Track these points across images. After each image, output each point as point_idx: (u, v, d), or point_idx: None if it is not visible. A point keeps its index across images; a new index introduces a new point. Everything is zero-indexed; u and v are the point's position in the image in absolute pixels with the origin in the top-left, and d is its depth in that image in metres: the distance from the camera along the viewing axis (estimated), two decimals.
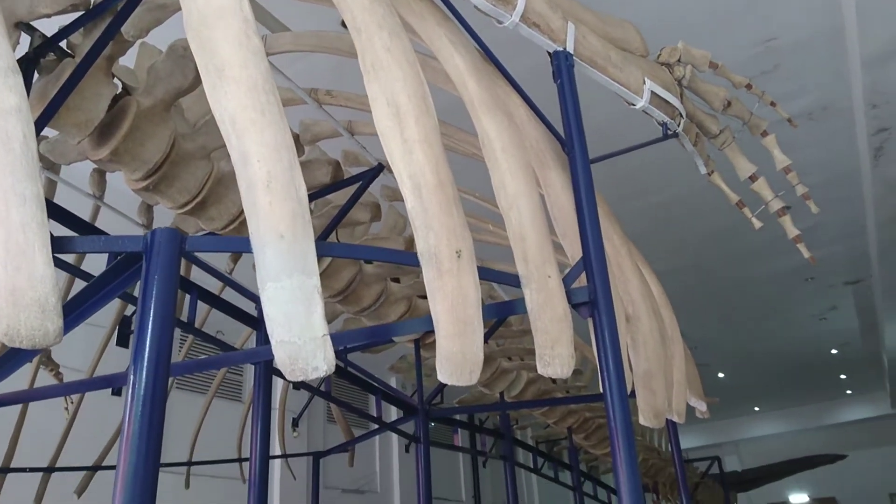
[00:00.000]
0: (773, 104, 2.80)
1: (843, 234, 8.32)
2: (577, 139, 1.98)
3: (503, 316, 1.81)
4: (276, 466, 9.00)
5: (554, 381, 6.10)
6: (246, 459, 8.12)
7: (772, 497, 20.33)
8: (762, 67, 5.38)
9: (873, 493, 19.27)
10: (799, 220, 3.35)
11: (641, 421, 2.04)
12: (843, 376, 16.99)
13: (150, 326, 1.19)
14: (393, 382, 10.24)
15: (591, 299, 1.77)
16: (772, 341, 13.33)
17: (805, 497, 20.60)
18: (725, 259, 9.08)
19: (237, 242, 1.34)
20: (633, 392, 2.57)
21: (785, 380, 16.70)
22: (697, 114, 2.75)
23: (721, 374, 15.42)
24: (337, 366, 4.66)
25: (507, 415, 5.53)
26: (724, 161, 3.21)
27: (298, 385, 5.22)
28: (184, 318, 3.34)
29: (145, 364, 1.20)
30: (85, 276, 2.88)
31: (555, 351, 1.59)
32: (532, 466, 6.92)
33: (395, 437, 11.63)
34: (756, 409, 20.29)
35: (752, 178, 2.88)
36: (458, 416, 6.30)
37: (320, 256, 1.27)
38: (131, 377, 1.20)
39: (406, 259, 1.49)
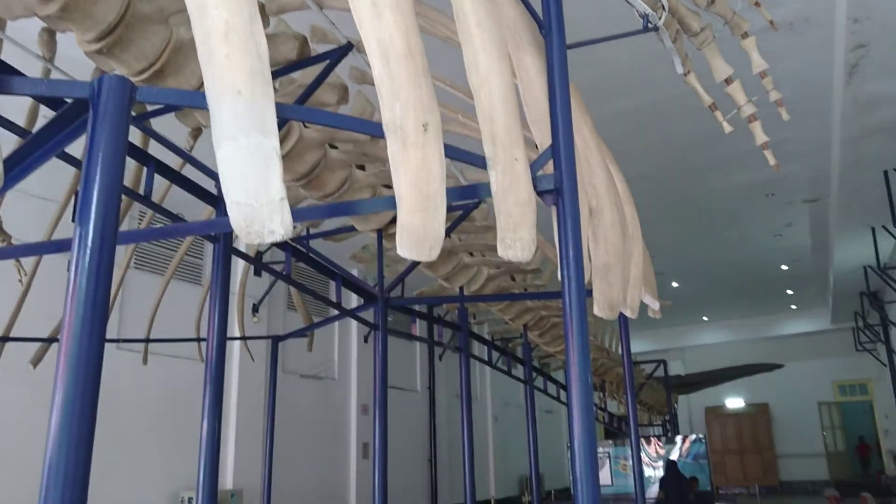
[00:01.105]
0: (757, 3, 2.72)
1: (807, 150, 8.41)
2: (556, 22, 1.89)
3: (467, 199, 1.79)
4: (235, 350, 9.14)
5: (513, 278, 6.20)
6: (204, 339, 8.22)
7: (710, 401, 21.53)
8: None
9: (803, 400, 20.53)
10: (766, 133, 3.35)
11: (596, 311, 2.08)
12: (789, 291, 17.66)
13: (96, 182, 1.13)
14: (356, 273, 10.31)
15: (556, 187, 1.75)
16: (727, 254, 13.69)
17: (741, 402, 21.84)
18: (690, 169, 9.14)
19: (192, 96, 1.27)
20: (590, 292, 2.63)
21: (735, 292, 17.29)
22: (680, 8, 2.67)
23: (675, 283, 15.88)
24: (298, 250, 4.65)
25: (465, 308, 5.63)
26: (700, 64, 3.16)
27: (259, 270, 5.22)
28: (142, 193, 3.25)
29: (91, 225, 1.14)
30: None
31: (516, 234, 1.59)
32: (487, 359, 7.13)
33: (354, 326, 11.84)
34: (705, 318, 21.11)
35: (728, 82, 2.84)
36: (417, 308, 6.40)
37: (280, 118, 1.22)
38: (77, 238, 1.14)
39: (370, 128, 1.44)
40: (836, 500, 10.48)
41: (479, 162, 1.63)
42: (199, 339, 5.81)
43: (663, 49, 3.16)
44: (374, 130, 1.38)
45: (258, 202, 1.17)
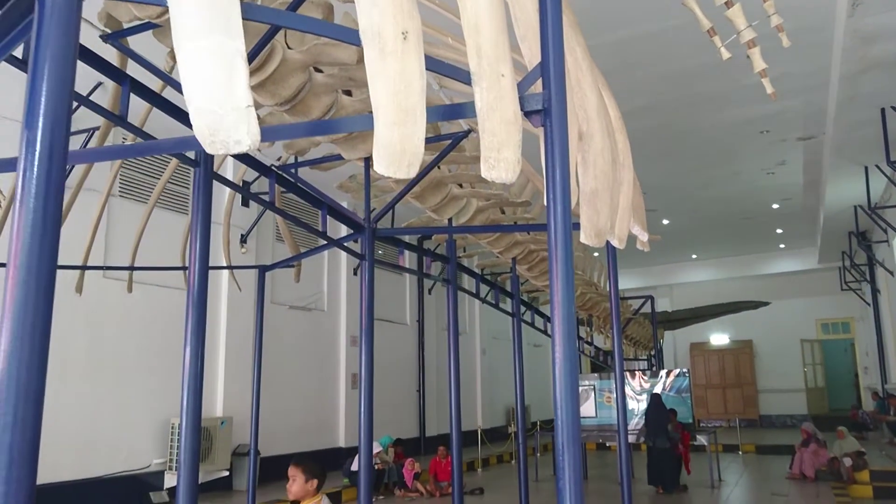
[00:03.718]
0: None
1: (804, 86, 8.26)
2: None
3: (451, 118, 1.71)
4: (223, 280, 9.12)
5: (503, 211, 6.14)
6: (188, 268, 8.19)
7: (695, 337, 21.89)
8: None
9: (786, 337, 20.89)
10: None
11: (583, 238, 2.03)
12: (779, 231, 17.73)
13: (44, 83, 1.04)
14: (346, 205, 10.22)
15: (544, 107, 1.67)
16: (719, 191, 13.64)
17: (726, 338, 22.21)
18: (684, 104, 8.98)
19: None
20: (577, 225, 2.56)
21: (725, 230, 17.34)
22: None
23: (666, 221, 15.88)
24: (284, 178, 4.56)
25: (453, 240, 5.59)
26: None
27: (245, 199, 5.14)
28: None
29: (39, 130, 1.05)
30: None
31: (501, 154, 1.52)
32: (475, 293, 7.14)
33: (343, 258, 11.82)
34: (694, 256, 21.23)
35: (728, 4, 2.72)
36: (408, 240, 6.36)
37: (246, 19, 1.13)
38: (24, 144, 1.06)
39: (345, 35, 1.35)
40: (807, 434, 10.75)
41: (464, 77, 1.54)
42: (184, 268, 5.77)
43: None
44: (350, 38, 1.29)
45: (222, 109, 1.09)
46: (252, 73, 3.48)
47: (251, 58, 3.13)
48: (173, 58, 3.79)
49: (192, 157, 3.21)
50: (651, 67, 7.77)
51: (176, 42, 1.09)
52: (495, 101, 1.50)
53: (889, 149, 8.37)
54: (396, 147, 1.28)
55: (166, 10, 2.57)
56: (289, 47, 3.78)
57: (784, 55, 7.24)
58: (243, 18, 1.10)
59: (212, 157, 3.16)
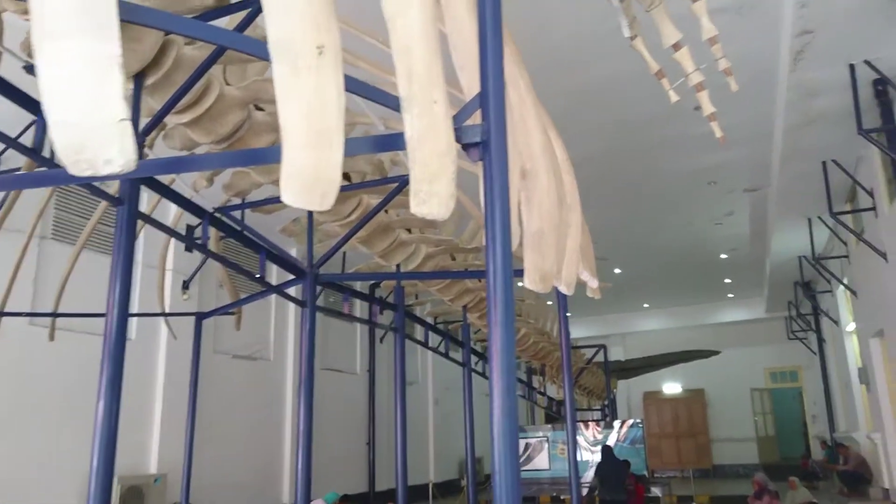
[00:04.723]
0: None
1: (749, 137, 8.43)
2: None
3: (380, 150, 1.57)
4: (163, 327, 8.71)
5: (453, 257, 6.00)
6: (134, 315, 7.77)
7: (649, 386, 21.92)
8: None
9: (737, 386, 21.10)
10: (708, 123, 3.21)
11: (526, 283, 1.89)
12: (727, 280, 18.01)
13: None
14: (295, 253, 9.94)
15: (483, 140, 1.53)
16: (669, 241, 13.81)
17: (678, 387, 22.29)
18: (636, 152, 9.08)
19: None
20: (519, 271, 2.41)
21: (676, 279, 17.55)
22: None
23: (617, 270, 15.98)
24: (222, 221, 4.33)
25: (401, 287, 5.41)
26: (649, 34, 2.99)
27: (190, 247, 4.85)
28: None
29: None
30: None
31: (432, 187, 1.37)
32: (423, 341, 6.94)
33: (292, 305, 11.49)
34: (646, 305, 21.40)
35: (676, 47, 2.67)
36: (359, 285, 6.15)
37: (127, 21, 0.96)
38: None
39: (254, 48, 1.19)
40: (759, 485, 10.69)
41: (394, 103, 1.40)
42: (136, 315, 5.43)
43: (614, 24, 2.98)
44: (259, 51, 1.13)
45: (89, 123, 0.91)
46: (186, 109, 3.30)
47: (183, 92, 2.96)
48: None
49: (116, 196, 2.99)
50: (604, 113, 7.83)
51: (35, 40, 0.91)
52: (427, 130, 1.36)
53: (831, 201, 8.56)
54: (308, 174, 1.12)
55: None
56: (227, 83, 3.63)
57: (730, 107, 7.38)
58: (123, 20, 0.93)
59: (137, 194, 2.94)
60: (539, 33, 6.11)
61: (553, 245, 1.93)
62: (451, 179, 1.38)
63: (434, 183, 1.36)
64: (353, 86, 1.27)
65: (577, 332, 20.38)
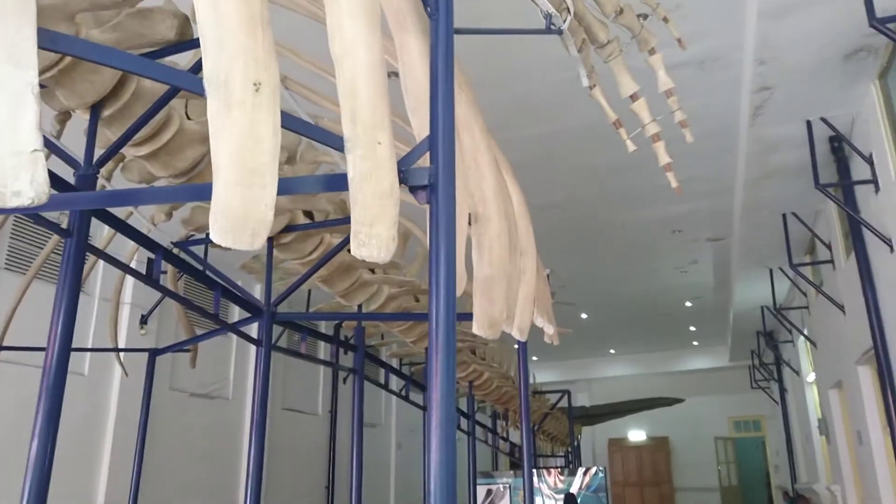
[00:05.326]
0: (665, 20, 2.62)
1: (712, 189, 8.60)
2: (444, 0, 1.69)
3: (325, 190, 1.54)
4: (116, 363, 8.46)
5: (417, 299, 5.95)
6: (80, 349, 7.52)
7: (614, 433, 21.85)
8: (664, 5, 5.26)
9: (701, 435, 21.12)
10: (674, 170, 3.26)
11: (475, 329, 1.86)
12: (692, 328, 18.17)
13: None
14: (257, 293, 9.79)
15: (430, 182, 1.52)
16: (635, 288, 13.93)
17: (643, 435, 22.25)
18: (601, 199, 9.19)
19: None
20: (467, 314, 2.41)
21: (642, 326, 17.65)
22: (587, 16, 2.53)
23: (584, 315, 16.04)
24: (178, 257, 4.25)
25: (362, 327, 5.34)
26: (608, 83, 3.04)
27: (148, 281, 4.74)
28: None
29: None
30: None
31: (373, 230, 1.34)
32: (383, 384, 6.83)
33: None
34: (612, 351, 21.46)
35: (633, 98, 2.71)
36: (323, 326, 6.06)
37: (45, 49, 0.93)
38: None
39: (189, 83, 1.17)
40: None
41: (336, 143, 1.38)
42: (82, 350, 5.26)
43: (576, 75, 3.03)
44: (194, 86, 1.10)
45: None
46: (143, 141, 3.25)
47: (140, 124, 2.92)
48: (60, 122, 3.54)
49: (65, 227, 2.91)
50: (572, 160, 7.92)
51: None
52: (369, 171, 1.34)
53: (791, 253, 8.73)
54: (238, 212, 1.08)
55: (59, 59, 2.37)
56: (189, 117, 3.59)
57: (694, 159, 7.57)
58: (41, 47, 0.90)
59: (86, 227, 2.87)
60: (507, 80, 6.21)
61: (503, 291, 1.91)
62: (392, 222, 1.36)
63: (375, 225, 1.33)
64: (294, 124, 1.25)
65: (543, 376, 20.31)
